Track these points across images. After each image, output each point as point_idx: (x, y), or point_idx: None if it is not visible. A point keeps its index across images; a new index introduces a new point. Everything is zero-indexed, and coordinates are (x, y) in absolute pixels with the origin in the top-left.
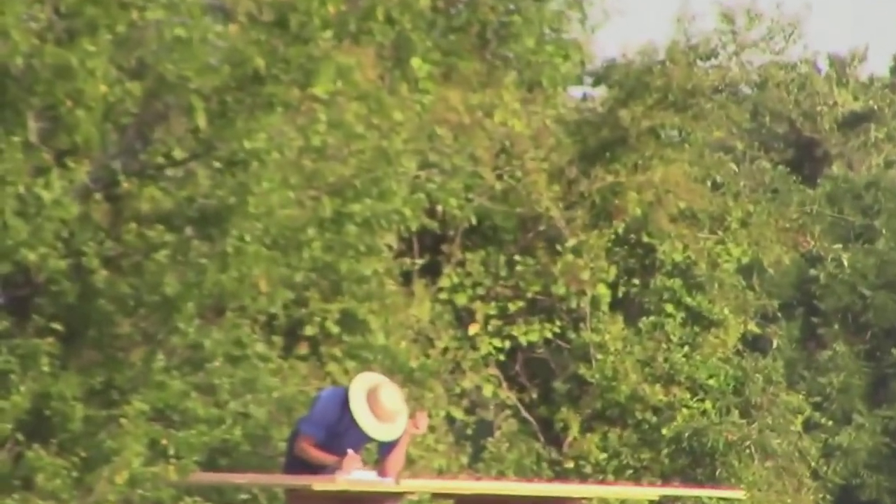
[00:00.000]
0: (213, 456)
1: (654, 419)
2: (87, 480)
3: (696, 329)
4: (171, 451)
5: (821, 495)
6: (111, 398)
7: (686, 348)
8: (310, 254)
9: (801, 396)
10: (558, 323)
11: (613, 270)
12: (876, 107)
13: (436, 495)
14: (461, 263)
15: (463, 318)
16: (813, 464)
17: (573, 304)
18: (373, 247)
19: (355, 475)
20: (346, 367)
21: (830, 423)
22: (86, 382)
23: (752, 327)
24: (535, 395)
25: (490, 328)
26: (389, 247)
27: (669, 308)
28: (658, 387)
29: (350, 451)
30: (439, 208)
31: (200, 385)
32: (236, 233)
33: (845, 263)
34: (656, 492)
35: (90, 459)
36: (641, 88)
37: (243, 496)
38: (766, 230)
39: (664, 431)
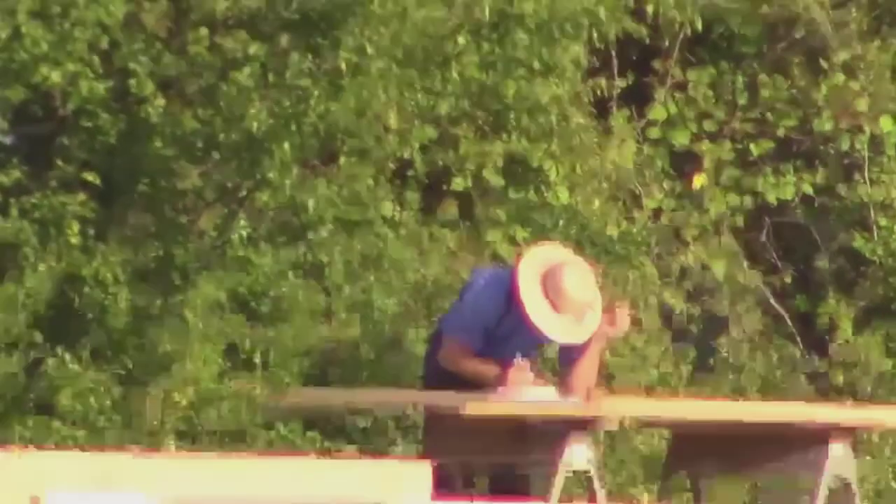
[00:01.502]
0: (320, 365)
1: None
2: (135, 401)
3: None
4: (258, 359)
5: None
6: (170, 282)
7: None
8: (460, 73)
9: None
10: (822, 173)
11: None
12: None
13: (645, 422)
14: (681, 86)
15: (684, 165)
16: None
17: (844, 146)
18: (552, 63)
19: (526, 393)
20: (512, 236)
21: None
22: (133, 259)
23: None
24: (788, 279)
25: (723, 180)
26: (576, 63)
27: None
28: None
29: (518, 358)
30: (649, 7)
31: (301, 263)
32: (353, 42)
33: None
34: None
35: (139, 370)
36: None
37: (362, 423)
38: None
39: None
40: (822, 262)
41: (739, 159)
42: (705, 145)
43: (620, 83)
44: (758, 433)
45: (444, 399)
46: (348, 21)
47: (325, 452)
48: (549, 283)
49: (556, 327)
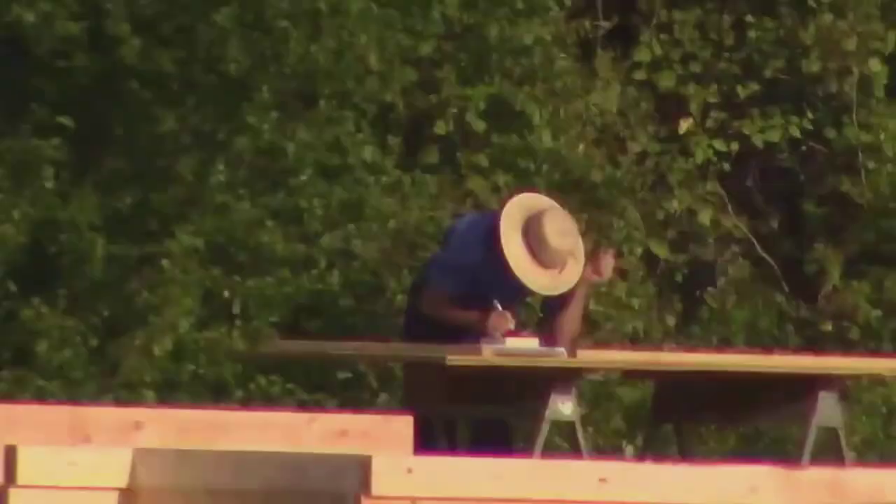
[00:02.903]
0: (299, 314)
1: None
2: (112, 351)
3: None
4: (237, 309)
5: None
6: (147, 229)
7: None
8: (442, 13)
9: None
10: (810, 115)
11: (894, 37)
12: None
13: (629, 373)
14: (666, 27)
15: (669, 108)
16: None
17: (832, 88)
18: (535, 3)
19: (509, 343)
20: (494, 181)
21: None
22: (109, 205)
23: None
24: (775, 224)
25: (709, 123)
26: (560, 3)
27: None
28: None
29: (496, 305)
30: None
31: (280, 210)
32: None
33: None
34: None
35: (116, 320)
36: None
37: (343, 374)
38: None
39: None
40: (809, 207)
41: (726, 102)
42: (691, 88)
43: (605, 24)
44: (744, 384)
45: (426, 350)
46: None
47: (305, 407)
48: (530, 233)
49: (537, 278)
